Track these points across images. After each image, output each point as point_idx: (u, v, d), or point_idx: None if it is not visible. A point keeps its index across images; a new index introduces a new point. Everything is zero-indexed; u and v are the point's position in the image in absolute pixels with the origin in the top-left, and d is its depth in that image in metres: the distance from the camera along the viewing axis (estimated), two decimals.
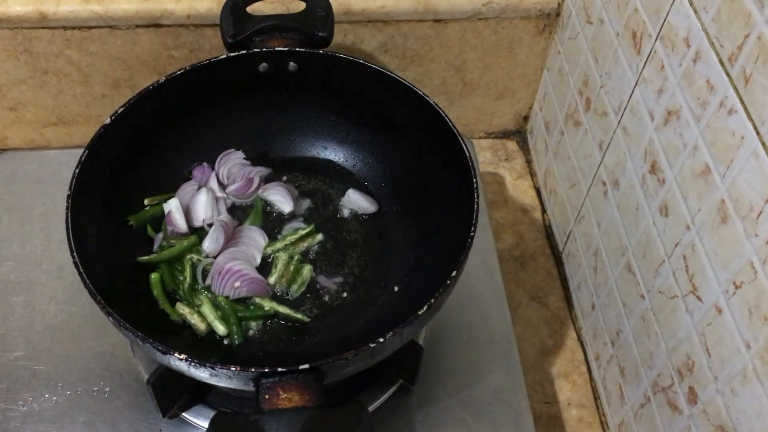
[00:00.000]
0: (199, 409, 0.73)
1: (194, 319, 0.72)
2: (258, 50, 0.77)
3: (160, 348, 0.56)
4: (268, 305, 0.73)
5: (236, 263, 0.74)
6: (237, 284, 0.73)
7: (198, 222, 0.78)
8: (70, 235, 0.63)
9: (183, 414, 0.72)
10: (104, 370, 0.76)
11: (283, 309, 0.73)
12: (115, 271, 0.69)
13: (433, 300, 0.60)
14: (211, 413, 0.71)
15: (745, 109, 0.55)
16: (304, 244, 0.79)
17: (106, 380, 0.75)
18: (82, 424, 0.73)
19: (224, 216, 0.79)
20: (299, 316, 0.73)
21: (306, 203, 0.82)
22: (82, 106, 1.01)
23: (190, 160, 0.82)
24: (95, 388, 0.75)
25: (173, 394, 0.70)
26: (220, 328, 0.71)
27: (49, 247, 0.86)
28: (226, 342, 0.71)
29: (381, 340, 0.57)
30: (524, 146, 1.12)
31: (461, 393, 0.76)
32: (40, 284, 0.83)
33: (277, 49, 0.77)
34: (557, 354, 0.91)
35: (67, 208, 0.65)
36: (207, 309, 0.72)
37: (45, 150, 1.04)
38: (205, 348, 0.71)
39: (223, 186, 0.82)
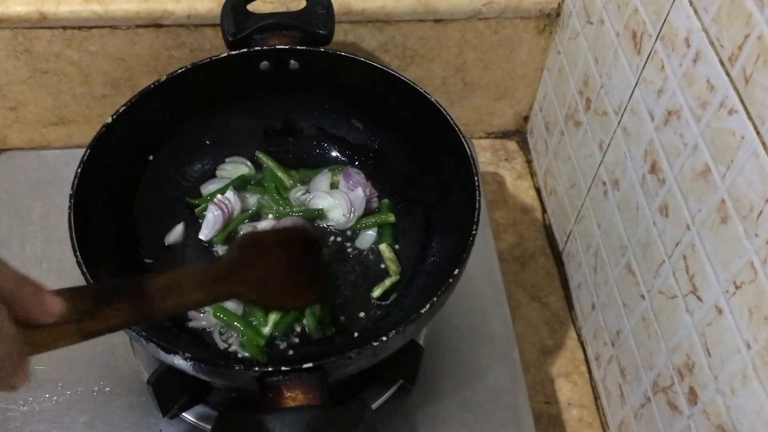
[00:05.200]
0: (199, 409, 0.72)
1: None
2: (259, 48, 0.77)
3: (164, 347, 0.56)
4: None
5: None
6: None
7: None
8: (73, 235, 0.63)
9: (183, 414, 0.72)
10: (104, 370, 0.76)
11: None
12: (118, 270, 0.69)
13: (435, 298, 0.60)
14: (211, 413, 0.71)
15: (746, 109, 0.55)
16: None
17: (106, 380, 0.75)
18: (82, 424, 0.73)
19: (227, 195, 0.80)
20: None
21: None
22: (82, 106, 1.01)
23: (191, 159, 0.82)
24: (95, 388, 0.75)
25: (173, 394, 0.70)
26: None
27: (49, 247, 0.85)
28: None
29: (384, 338, 0.57)
30: (524, 146, 1.12)
31: (461, 393, 0.76)
32: None
33: (277, 47, 0.78)
34: (557, 354, 0.91)
35: (69, 207, 0.65)
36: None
37: (45, 150, 1.04)
38: (209, 347, 0.71)
39: None
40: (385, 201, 0.82)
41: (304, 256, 0.66)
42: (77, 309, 0.36)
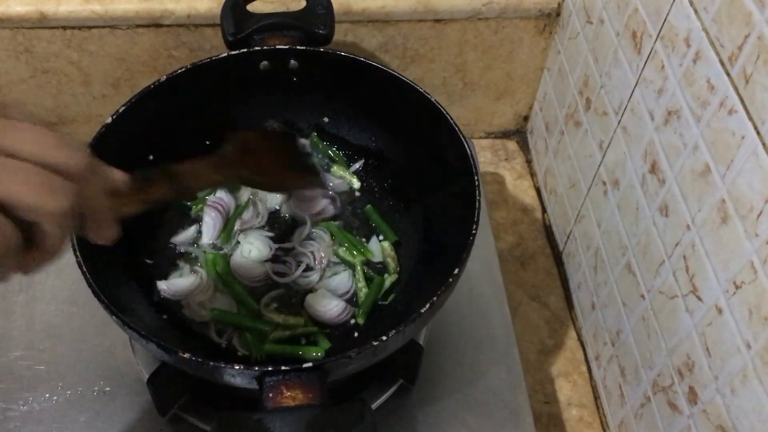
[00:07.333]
0: (199, 409, 0.72)
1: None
2: (259, 48, 0.77)
3: (164, 347, 0.56)
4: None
5: None
6: None
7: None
8: (73, 235, 0.63)
9: (183, 414, 0.72)
10: (104, 370, 0.76)
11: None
12: (118, 270, 0.69)
13: (435, 298, 0.60)
14: (212, 413, 0.71)
15: (746, 109, 0.55)
16: None
17: (106, 380, 0.75)
18: (82, 424, 0.72)
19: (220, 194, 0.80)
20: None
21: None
22: (82, 106, 1.01)
23: (191, 159, 0.82)
24: (95, 388, 0.75)
25: (173, 394, 0.70)
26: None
27: None
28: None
29: (384, 338, 0.57)
30: (524, 146, 1.12)
31: (461, 393, 0.76)
32: (40, 284, 0.83)
33: (278, 47, 0.78)
34: (557, 354, 0.91)
35: None
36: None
37: None
38: (209, 346, 0.71)
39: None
40: (369, 207, 0.81)
41: (285, 150, 0.75)
42: (135, 185, 0.51)
